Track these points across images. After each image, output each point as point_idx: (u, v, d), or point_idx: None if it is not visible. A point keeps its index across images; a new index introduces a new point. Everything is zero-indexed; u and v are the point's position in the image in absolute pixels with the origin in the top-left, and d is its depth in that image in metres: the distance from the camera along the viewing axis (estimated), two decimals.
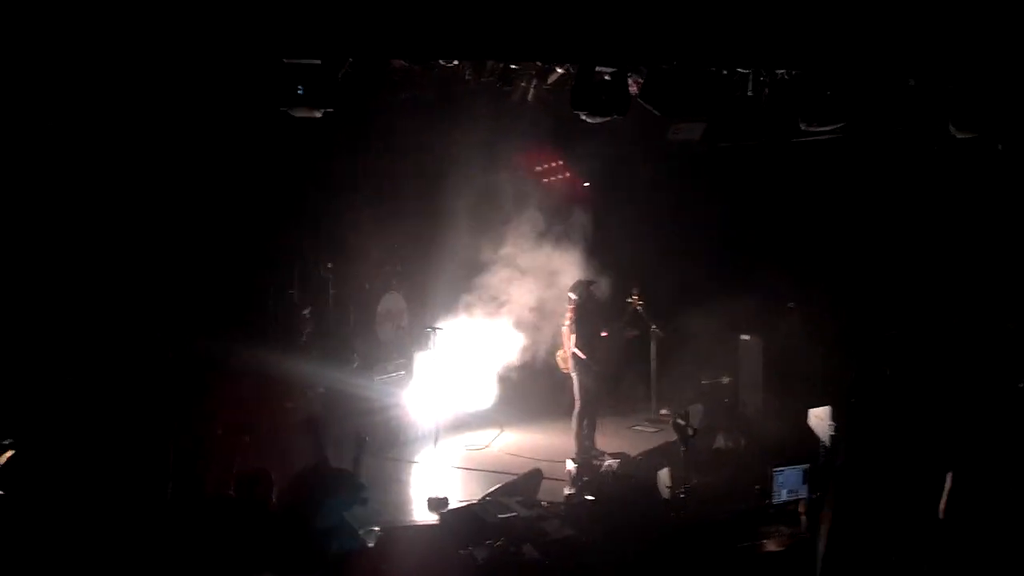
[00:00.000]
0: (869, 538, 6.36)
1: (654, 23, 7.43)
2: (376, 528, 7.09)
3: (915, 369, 10.89)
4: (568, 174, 14.12)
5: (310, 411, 8.20)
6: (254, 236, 11.18)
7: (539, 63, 8.89)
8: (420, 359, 11.74)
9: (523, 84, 10.36)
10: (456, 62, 8.56)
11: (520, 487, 9.35)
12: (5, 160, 8.81)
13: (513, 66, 9.22)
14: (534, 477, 9.60)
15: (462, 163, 12.41)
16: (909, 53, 7.99)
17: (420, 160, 12.78)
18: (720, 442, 11.25)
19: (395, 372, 12.10)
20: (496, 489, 9.15)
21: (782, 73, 8.63)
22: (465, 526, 8.36)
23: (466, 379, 12.07)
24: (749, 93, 9.05)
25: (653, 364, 13.01)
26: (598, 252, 12.52)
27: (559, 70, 9.19)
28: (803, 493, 8.80)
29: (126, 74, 7.89)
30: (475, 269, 12.53)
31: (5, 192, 8.99)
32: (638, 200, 13.50)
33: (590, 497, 8.59)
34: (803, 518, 8.49)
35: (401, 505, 9.74)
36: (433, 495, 9.49)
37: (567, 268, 12.28)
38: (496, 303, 12.36)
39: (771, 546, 8.30)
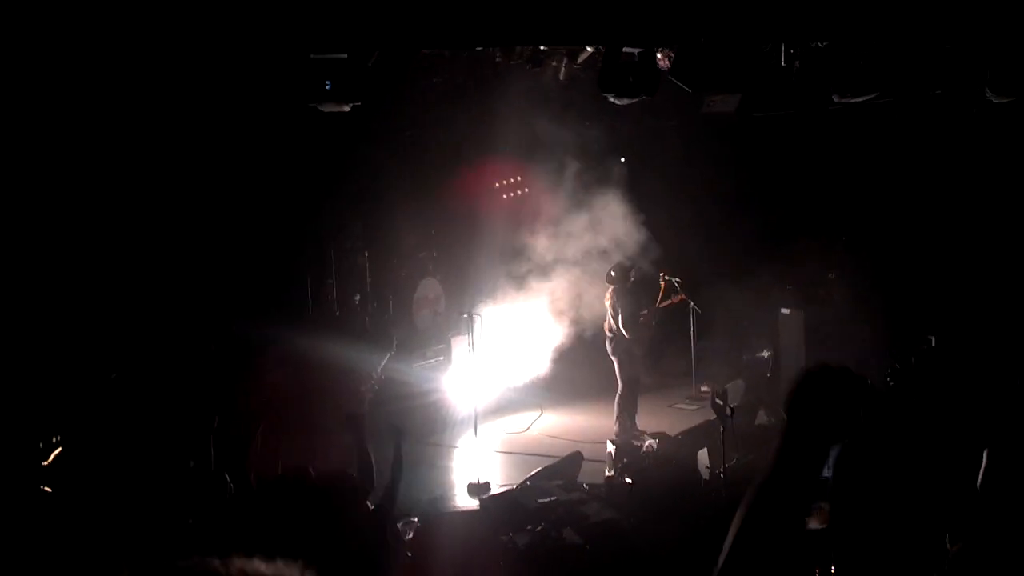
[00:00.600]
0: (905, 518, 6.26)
1: (680, 1, 7.32)
2: (415, 519, 7.12)
3: (958, 342, 10.76)
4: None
5: (350, 408, 8.25)
6: (291, 226, 11.28)
7: None
8: (458, 344, 11.76)
9: (554, 63, 10.32)
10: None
11: (560, 470, 9.35)
12: (48, 158, 8.96)
13: (542, 47, 9.19)
14: (574, 460, 9.60)
15: (496, 145, 12.38)
16: (942, 18, 7.78)
17: (454, 144, 12.76)
18: (762, 418, 11.17)
19: (433, 358, 12.16)
20: (536, 473, 9.16)
21: (814, 45, 8.49)
22: (505, 512, 8.39)
23: (506, 362, 12.09)
24: (782, 64, 8.92)
25: (692, 340, 12.91)
26: (636, 228, 12.41)
27: (589, 48, 9.14)
28: None
29: (169, 73, 8.00)
30: (513, 252, 12.50)
31: (50, 191, 9.15)
32: (672, 174, 13.38)
33: (629, 480, 8.56)
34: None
35: (442, 491, 9.79)
36: (473, 480, 9.55)
37: (606, 246, 12.22)
38: (535, 285, 12.31)
39: (813, 523, 8.20)
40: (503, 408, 12.26)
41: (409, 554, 6.76)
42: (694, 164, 13.46)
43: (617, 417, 11.11)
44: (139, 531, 7.52)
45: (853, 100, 8.40)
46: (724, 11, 7.47)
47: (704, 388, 12.76)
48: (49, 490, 8.06)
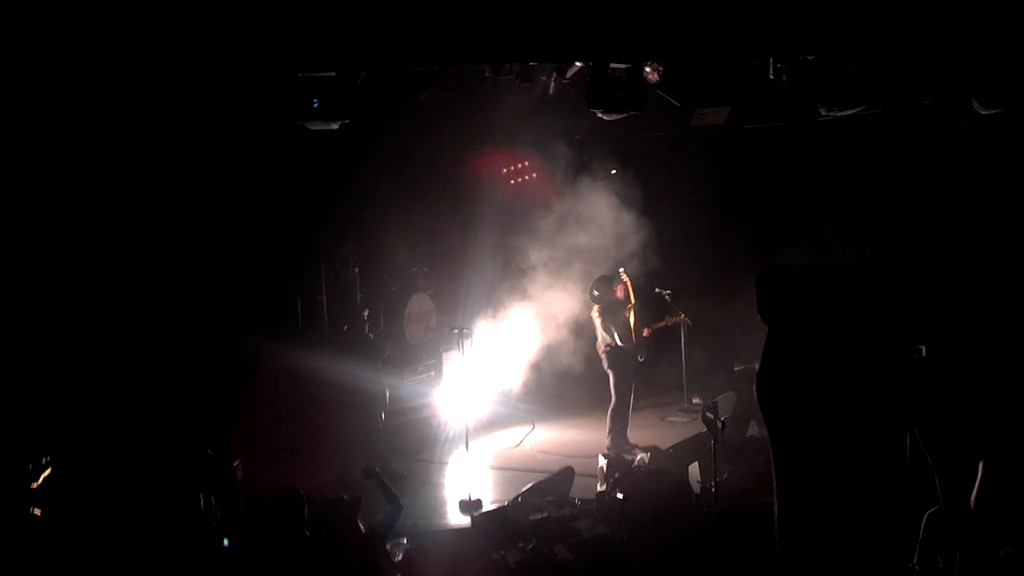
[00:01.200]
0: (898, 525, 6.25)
1: (667, 16, 7.32)
2: (404, 541, 7.09)
3: (947, 349, 10.75)
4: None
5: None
6: (281, 243, 11.25)
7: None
8: (449, 359, 11.74)
9: (543, 78, 10.33)
10: None
11: (552, 486, 9.32)
12: (37, 172, 8.93)
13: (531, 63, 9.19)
14: (566, 475, 9.57)
15: (486, 160, 12.39)
16: (928, 31, 7.81)
17: (443, 159, 12.76)
18: (753, 429, 11.16)
19: (424, 373, 12.12)
20: (528, 489, 9.13)
21: (802, 58, 8.50)
22: (497, 529, 8.36)
23: (497, 377, 12.08)
24: (770, 76, 8.94)
25: (684, 353, 12.90)
26: (627, 240, 12.41)
27: (578, 63, 9.14)
28: None
29: (158, 91, 7.98)
30: (504, 267, 12.50)
31: (37, 205, 9.12)
32: (661, 185, 13.39)
33: (621, 495, 8.54)
34: None
35: (433, 508, 9.75)
36: (465, 497, 9.51)
37: (596, 259, 12.22)
38: (525, 300, 12.30)
39: None
40: (495, 423, 12.25)
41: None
42: (683, 175, 13.47)
43: (609, 430, 11.10)
44: (128, 553, 7.50)
45: (841, 113, 8.43)
46: (711, 26, 7.47)
47: (696, 400, 12.76)
48: (39, 512, 8.03)
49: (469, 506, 9.43)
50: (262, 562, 6.19)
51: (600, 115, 8.01)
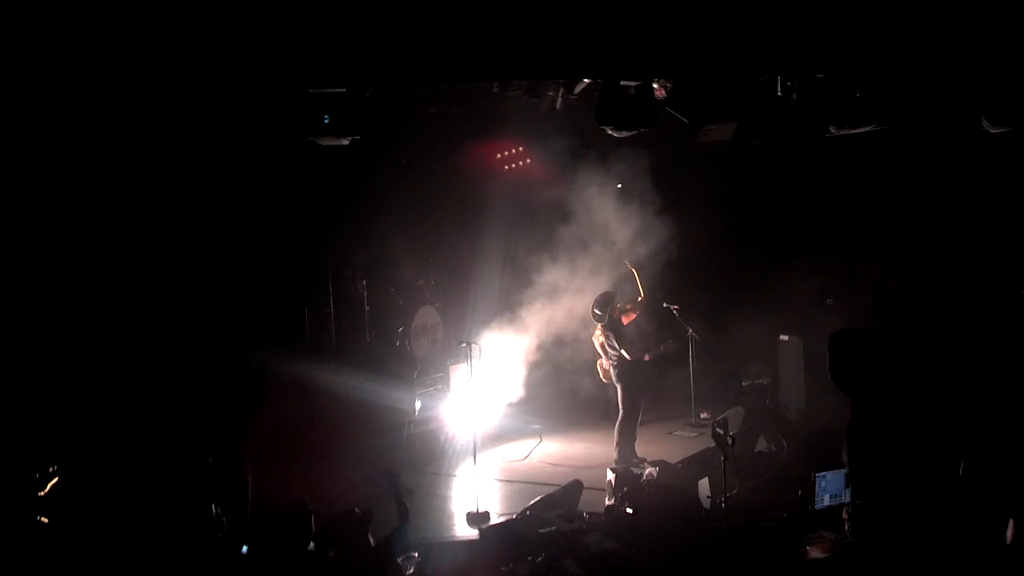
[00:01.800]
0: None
1: (677, 34, 7.36)
2: (415, 554, 7.10)
3: (948, 362, 10.76)
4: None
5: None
6: (289, 257, 11.31)
7: None
8: (456, 372, 11.76)
9: (551, 94, 10.39)
10: None
11: (560, 499, 9.32)
12: (44, 183, 8.98)
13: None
14: (574, 489, 9.56)
15: (494, 174, 12.42)
16: (938, 50, 7.85)
17: (451, 173, 12.81)
18: (762, 445, 11.17)
19: (432, 386, 12.14)
20: (536, 502, 9.12)
21: (811, 76, 8.55)
22: (505, 542, 8.36)
23: (504, 390, 12.10)
24: (778, 94, 8.98)
25: (692, 368, 12.91)
26: (635, 254, 12.42)
27: (586, 80, 9.19)
28: (846, 498, 8.71)
29: (169, 106, 8.05)
30: (511, 280, 12.53)
31: (48, 213, 9.17)
32: (670, 201, 13.41)
33: (630, 510, 8.54)
34: (847, 524, 8.37)
35: (441, 520, 9.74)
36: (473, 510, 9.51)
37: (603, 272, 12.25)
38: (533, 314, 12.33)
39: (815, 553, 8.23)
40: (502, 436, 12.25)
41: None
42: (691, 190, 13.49)
43: (617, 444, 11.10)
44: (134, 562, 7.51)
45: (850, 131, 8.46)
46: (722, 44, 7.51)
47: (704, 415, 12.76)
48: (46, 520, 8.05)
49: (477, 519, 9.42)
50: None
51: (611, 132, 8.06)
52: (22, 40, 6.72)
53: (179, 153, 9.60)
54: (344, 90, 7.45)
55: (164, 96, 7.52)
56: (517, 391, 12.48)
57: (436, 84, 9.08)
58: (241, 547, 7.11)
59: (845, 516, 8.44)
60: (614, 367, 11.13)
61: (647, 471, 9.73)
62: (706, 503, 9.00)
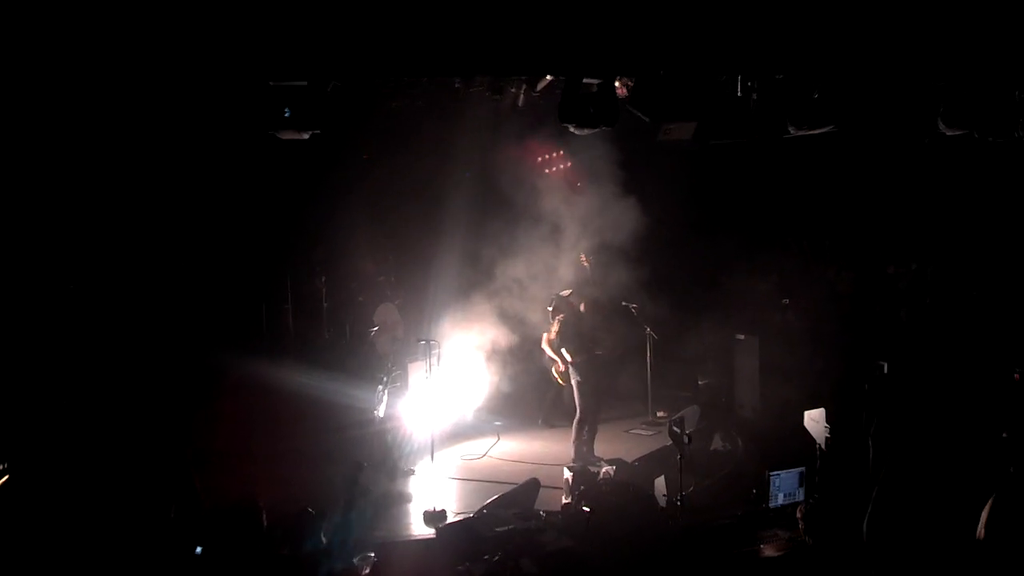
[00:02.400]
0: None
1: (639, 33, 7.37)
2: (371, 554, 7.05)
3: (912, 364, 10.92)
4: (562, 173, 14.08)
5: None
6: (247, 251, 11.19)
7: None
8: (415, 370, 11.70)
9: (513, 90, 10.35)
10: None
11: (517, 498, 9.32)
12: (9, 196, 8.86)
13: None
14: (531, 487, 9.57)
15: (456, 169, 12.37)
16: (896, 54, 7.93)
17: (413, 169, 12.73)
18: (717, 443, 11.23)
19: (391, 383, 12.06)
20: (493, 501, 9.11)
21: (771, 77, 8.60)
22: (462, 541, 8.33)
23: (462, 388, 12.06)
24: (739, 94, 9.02)
25: (649, 366, 12.96)
26: (594, 251, 12.43)
27: (548, 76, 9.17)
28: (800, 496, 8.81)
29: (123, 99, 7.91)
30: (471, 278, 12.48)
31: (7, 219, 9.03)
32: (628, 198, 13.44)
33: (587, 508, 8.55)
34: (800, 522, 8.46)
35: (398, 519, 9.69)
36: (430, 508, 9.47)
37: (562, 271, 12.25)
38: (493, 311, 12.30)
39: (769, 551, 8.30)
40: (460, 434, 12.21)
41: None
42: (649, 189, 13.53)
43: (574, 442, 11.12)
44: (84, 557, 7.41)
45: (809, 132, 8.53)
46: (682, 44, 7.54)
47: (660, 413, 12.82)
48: None
49: (434, 517, 9.39)
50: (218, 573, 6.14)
51: (573, 130, 8.05)
52: None
53: (133, 147, 9.47)
54: (305, 83, 7.36)
55: (116, 88, 7.39)
56: (478, 391, 12.44)
57: (398, 79, 9.00)
58: (195, 547, 7.03)
59: (799, 515, 8.53)
60: (571, 365, 11.16)
61: (604, 469, 9.77)
62: (662, 501, 9.05)
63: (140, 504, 8.19)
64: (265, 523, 6.02)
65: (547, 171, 13.97)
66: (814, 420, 9.27)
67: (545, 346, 11.60)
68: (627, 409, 13.26)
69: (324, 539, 6.54)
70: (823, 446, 9.08)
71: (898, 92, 8.79)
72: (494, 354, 12.32)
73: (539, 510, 9.23)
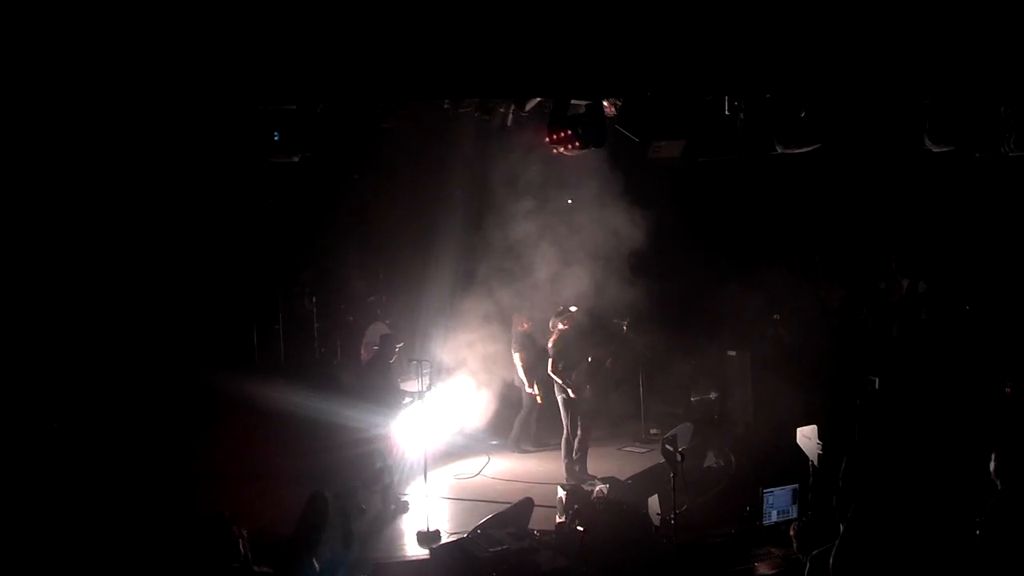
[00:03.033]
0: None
1: (627, 55, 7.42)
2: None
3: (905, 378, 10.96)
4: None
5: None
6: (237, 272, 11.19)
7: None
8: (408, 389, 11.69)
9: (502, 111, 10.40)
10: None
11: (511, 517, 9.29)
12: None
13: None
14: (525, 506, 9.55)
15: (445, 188, 12.39)
16: (882, 73, 7.99)
17: (402, 189, 12.76)
18: (710, 460, 11.27)
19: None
20: (487, 520, 9.08)
21: (758, 96, 8.66)
22: (456, 562, 8.33)
23: (454, 407, 12.06)
24: (726, 113, 9.08)
25: (641, 384, 12.97)
26: (585, 269, 12.44)
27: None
28: (793, 514, 8.81)
29: (115, 127, 7.95)
30: (463, 298, 12.48)
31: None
32: (619, 215, 13.46)
33: (581, 528, 8.55)
34: (794, 540, 8.46)
35: (391, 540, 9.66)
36: (423, 528, 9.44)
37: (553, 289, 12.26)
38: (483, 331, 12.31)
39: (763, 569, 8.30)
40: (453, 453, 12.18)
41: None
42: (639, 205, 13.56)
43: (564, 459, 11.13)
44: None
45: (796, 150, 8.59)
46: (670, 65, 7.58)
47: (653, 430, 12.82)
48: None
49: (427, 538, 9.36)
50: None
51: (561, 151, 8.09)
52: None
53: (126, 171, 9.47)
54: (294, 107, 7.39)
55: (107, 115, 7.40)
56: (470, 409, 12.43)
57: (387, 102, 9.04)
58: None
59: (792, 532, 8.53)
60: (559, 393, 11.18)
61: (597, 488, 9.75)
62: (656, 520, 9.04)
63: (134, 524, 8.20)
64: (244, 549, 5.95)
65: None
66: (807, 436, 9.29)
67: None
68: (620, 427, 13.24)
69: (317, 566, 6.50)
70: (816, 463, 9.09)
71: (884, 110, 8.86)
72: (486, 373, 12.31)
73: (533, 529, 9.21)
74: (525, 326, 12.26)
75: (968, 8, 7.82)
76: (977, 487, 6.53)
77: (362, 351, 12.43)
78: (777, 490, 8.80)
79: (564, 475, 10.97)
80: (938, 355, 11.31)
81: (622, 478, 10.60)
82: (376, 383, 10.75)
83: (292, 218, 11.93)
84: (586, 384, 11.24)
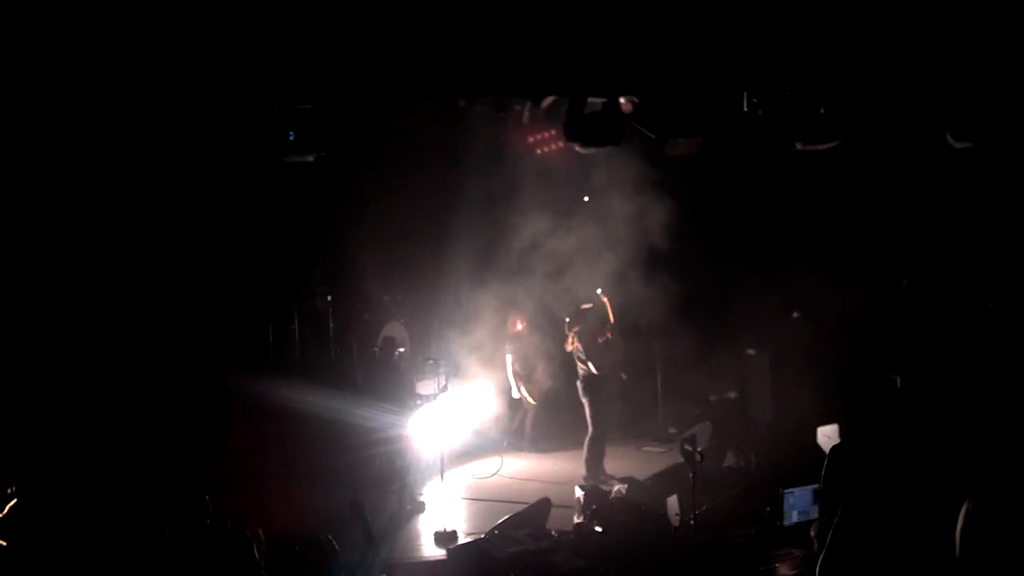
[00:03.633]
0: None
1: (643, 52, 7.35)
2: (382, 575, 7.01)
3: (925, 379, 10.83)
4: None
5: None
6: (251, 272, 11.18)
7: None
8: (423, 389, 11.66)
9: (518, 108, 10.36)
10: None
11: (529, 518, 9.22)
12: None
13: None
14: (542, 506, 9.48)
15: (461, 188, 12.34)
16: (903, 68, 7.90)
17: (417, 187, 12.72)
18: (730, 460, 11.17)
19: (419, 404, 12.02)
20: (504, 521, 9.02)
21: (777, 93, 8.57)
22: (473, 562, 8.28)
23: (471, 406, 12.01)
24: (745, 109, 9.00)
25: (659, 382, 12.89)
26: (603, 268, 12.37)
27: None
28: (814, 514, 8.70)
29: (131, 127, 7.95)
30: (479, 296, 12.43)
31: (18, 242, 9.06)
32: (636, 214, 13.38)
33: (599, 528, 8.49)
34: (815, 541, 8.37)
35: (408, 540, 9.62)
36: (440, 529, 9.41)
37: (572, 288, 12.19)
38: (500, 329, 12.26)
39: (784, 570, 8.21)
40: (470, 453, 12.12)
41: None
42: (657, 203, 13.47)
43: (585, 460, 11.05)
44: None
45: (816, 147, 8.49)
46: (687, 62, 7.51)
47: (672, 429, 12.74)
48: (3, 543, 7.89)
49: (444, 538, 9.32)
50: None
51: (579, 149, 8.03)
52: None
53: (142, 172, 9.49)
54: (310, 106, 7.36)
55: (124, 115, 7.39)
56: (487, 408, 12.39)
57: (402, 100, 9.01)
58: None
59: (813, 533, 8.42)
60: (581, 382, 11.10)
61: (615, 488, 9.68)
62: (675, 520, 8.97)
63: (148, 528, 8.17)
64: (260, 554, 5.92)
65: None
66: (827, 436, 9.20)
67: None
68: (638, 426, 13.16)
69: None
70: None
71: (905, 106, 8.76)
72: (503, 372, 12.27)
73: (551, 530, 9.15)
74: (520, 326, 12.20)
75: (990, 2, 7.73)
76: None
77: (376, 351, 12.40)
78: (797, 490, 8.69)
79: (582, 475, 10.88)
80: (962, 354, 11.19)
81: (640, 478, 10.55)
82: (383, 383, 10.72)
83: (307, 218, 11.91)
84: (607, 382, 11.14)
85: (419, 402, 10.84)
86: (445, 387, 10.72)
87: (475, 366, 12.14)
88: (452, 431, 11.18)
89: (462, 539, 9.32)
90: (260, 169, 9.83)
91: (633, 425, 13.07)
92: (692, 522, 8.79)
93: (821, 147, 8.52)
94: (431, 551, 9.27)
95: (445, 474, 10.17)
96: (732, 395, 13.07)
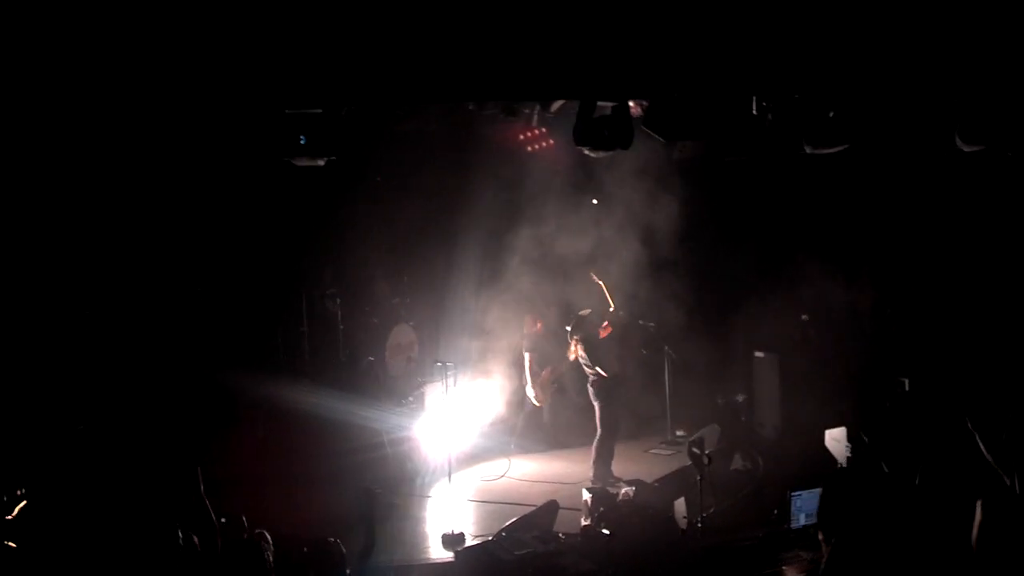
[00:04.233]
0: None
1: (652, 56, 7.35)
2: None
3: (934, 383, 10.80)
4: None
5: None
6: (263, 275, 11.22)
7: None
8: (432, 391, 11.68)
9: (527, 111, 10.37)
10: None
11: (536, 520, 9.24)
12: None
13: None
14: (550, 509, 9.50)
15: (470, 191, 12.37)
16: (911, 71, 7.88)
17: (426, 190, 12.74)
18: (738, 463, 11.18)
19: (407, 405, 12.05)
20: (512, 523, 9.05)
21: (786, 96, 8.56)
22: (481, 564, 8.30)
23: (479, 408, 12.04)
24: (753, 112, 9.00)
25: (668, 385, 12.89)
26: (610, 271, 12.38)
27: None
28: None
29: (143, 129, 7.98)
30: (487, 298, 12.46)
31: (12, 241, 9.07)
32: (645, 216, 13.39)
33: (607, 531, 8.50)
34: (822, 543, 8.35)
35: (415, 542, 9.63)
36: (448, 531, 9.43)
37: (578, 286, 12.21)
38: (508, 332, 12.27)
39: (792, 573, 8.20)
40: (478, 455, 12.14)
41: None
42: (665, 206, 13.48)
43: (594, 463, 11.06)
44: None
45: (825, 151, 8.48)
46: (697, 65, 7.51)
47: (680, 432, 12.74)
48: (13, 545, 7.92)
49: (452, 540, 9.34)
50: None
51: (588, 152, 8.04)
52: None
53: (152, 174, 9.52)
54: (320, 111, 7.38)
55: (136, 117, 7.43)
56: (495, 411, 12.41)
57: (412, 103, 9.04)
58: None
59: (820, 536, 8.42)
60: (592, 384, 11.11)
61: (623, 490, 9.69)
62: (682, 523, 8.98)
63: (153, 530, 8.18)
64: (271, 559, 5.93)
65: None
66: (835, 439, 9.20)
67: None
68: (646, 428, 13.17)
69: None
70: (844, 465, 9.00)
71: (914, 109, 8.74)
72: (511, 374, 12.28)
73: (558, 532, 9.16)
74: (538, 327, 12.22)
75: (1000, 5, 7.71)
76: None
77: (387, 354, 12.43)
78: (805, 493, 8.68)
79: (590, 477, 10.89)
80: (971, 357, 11.15)
81: (648, 480, 10.54)
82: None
83: (316, 221, 11.94)
84: (616, 385, 11.15)
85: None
86: (452, 389, 10.73)
87: (484, 368, 12.16)
88: (460, 433, 11.20)
89: (470, 541, 9.34)
90: (271, 172, 9.86)
91: (640, 427, 13.09)
92: (700, 525, 8.79)
93: (830, 151, 8.50)
94: (439, 553, 9.28)
95: (453, 476, 10.18)
96: (740, 398, 13.07)
